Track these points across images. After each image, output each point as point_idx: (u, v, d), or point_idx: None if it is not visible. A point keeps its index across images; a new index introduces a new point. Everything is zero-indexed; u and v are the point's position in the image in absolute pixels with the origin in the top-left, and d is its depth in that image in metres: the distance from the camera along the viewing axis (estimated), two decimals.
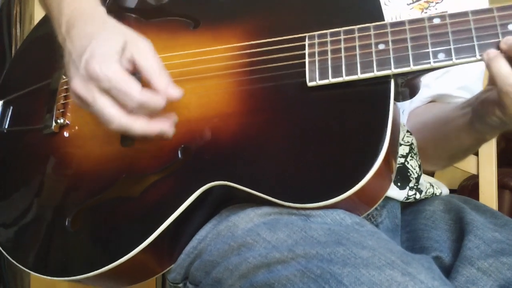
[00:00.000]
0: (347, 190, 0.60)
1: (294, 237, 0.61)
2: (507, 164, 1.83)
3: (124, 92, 0.62)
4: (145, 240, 0.67)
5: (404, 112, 0.90)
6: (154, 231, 0.67)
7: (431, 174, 1.10)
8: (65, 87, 0.81)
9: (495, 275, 0.69)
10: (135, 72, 0.65)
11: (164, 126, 0.66)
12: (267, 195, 0.64)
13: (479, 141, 0.84)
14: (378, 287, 0.53)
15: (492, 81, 0.63)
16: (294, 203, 0.63)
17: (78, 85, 0.64)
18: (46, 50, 0.84)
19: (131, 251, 0.67)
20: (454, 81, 0.91)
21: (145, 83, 0.65)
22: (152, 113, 0.65)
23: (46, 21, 0.90)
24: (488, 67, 0.61)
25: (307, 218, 0.64)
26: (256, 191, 0.64)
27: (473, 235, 0.73)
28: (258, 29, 0.72)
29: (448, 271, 0.73)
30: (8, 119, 0.86)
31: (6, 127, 0.85)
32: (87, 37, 0.65)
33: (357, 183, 0.60)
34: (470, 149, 0.90)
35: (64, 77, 0.81)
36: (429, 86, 0.91)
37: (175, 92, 0.65)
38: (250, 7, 0.75)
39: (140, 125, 0.64)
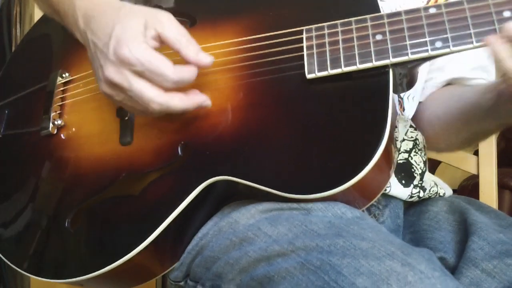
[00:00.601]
0: (347, 181, 0.60)
1: (295, 230, 0.61)
2: (507, 164, 1.83)
3: (158, 73, 0.63)
4: (146, 239, 0.66)
5: (415, 98, 0.89)
6: (155, 230, 0.66)
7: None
8: (61, 88, 0.81)
9: (500, 276, 0.69)
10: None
11: (201, 98, 0.67)
12: (268, 187, 0.63)
13: (504, 125, 0.80)
14: (377, 277, 0.53)
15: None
16: (294, 194, 0.63)
17: (111, 72, 0.64)
18: (42, 52, 0.85)
19: (132, 250, 0.66)
20: (468, 62, 0.90)
21: (173, 54, 0.65)
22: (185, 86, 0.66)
23: (42, 23, 0.90)
24: (496, 61, 0.60)
25: (308, 212, 0.64)
26: (257, 184, 0.64)
27: (477, 236, 0.73)
28: (256, 24, 0.72)
29: (452, 272, 0.73)
30: (4, 123, 0.85)
31: (3, 131, 0.85)
32: (109, 25, 0.65)
33: (358, 173, 0.60)
34: (491, 131, 0.87)
35: (60, 79, 0.81)
36: (443, 69, 0.91)
37: (206, 58, 0.65)
38: (247, 3, 0.75)
39: (178, 101, 0.65)
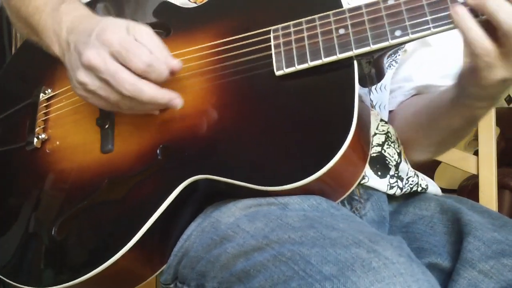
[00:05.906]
0: (316, 171, 0.62)
1: (271, 225, 0.62)
2: (507, 164, 1.82)
3: (133, 53, 0.66)
4: (129, 241, 0.68)
5: (386, 107, 0.91)
6: (138, 231, 0.68)
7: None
8: (44, 104, 0.84)
9: (497, 277, 0.69)
10: None
11: (172, 95, 0.69)
12: (242, 181, 0.65)
13: (470, 120, 0.81)
14: (343, 264, 0.54)
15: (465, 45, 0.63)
16: (267, 186, 0.64)
17: (90, 54, 0.66)
18: (27, 70, 0.88)
19: (117, 253, 0.68)
20: (436, 70, 0.92)
21: None
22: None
23: (26, 43, 0.94)
24: (460, 29, 0.61)
25: (285, 207, 0.65)
26: (232, 179, 0.66)
27: (472, 236, 0.73)
28: (227, 28, 0.74)
29: (449, 274, 0.73)
30: None
31: None
32: (93, 26, 0.68)
33: (326, 164, 0.62)
34: (460, 129, 0.84)
35: (43, 95, 0.84)
36: (411, 78, 0.92)
37: (175, 62, 0.68)
38: (218, 11, 0.78)
39: (150, 89, 0.67)
